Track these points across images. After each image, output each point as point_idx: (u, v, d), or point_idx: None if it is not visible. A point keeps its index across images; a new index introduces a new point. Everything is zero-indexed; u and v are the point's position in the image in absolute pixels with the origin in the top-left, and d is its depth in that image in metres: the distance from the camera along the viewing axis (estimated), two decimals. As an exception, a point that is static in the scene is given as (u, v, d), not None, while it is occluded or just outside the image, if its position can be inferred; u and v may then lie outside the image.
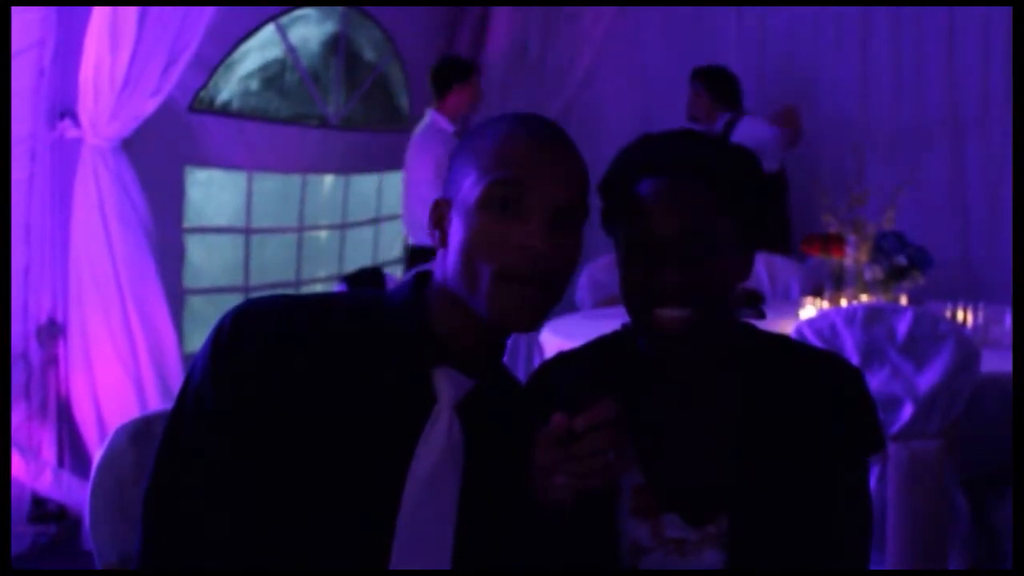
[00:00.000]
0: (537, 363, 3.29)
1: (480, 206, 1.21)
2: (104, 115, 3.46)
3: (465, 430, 1.26)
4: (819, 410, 1.32)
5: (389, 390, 1.24)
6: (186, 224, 4.21)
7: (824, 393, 1.33)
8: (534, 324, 1.24)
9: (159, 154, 3.90)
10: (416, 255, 4.66)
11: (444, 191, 1.29)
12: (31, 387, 3.52)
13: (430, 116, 4.67)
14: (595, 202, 1.30)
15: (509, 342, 1.34)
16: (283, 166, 4.74)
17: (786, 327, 2.74)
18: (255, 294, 1.30)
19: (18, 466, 3.37)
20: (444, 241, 1.27)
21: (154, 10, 3.42)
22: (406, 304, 1.28)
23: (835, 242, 3.32)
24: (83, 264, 3.56)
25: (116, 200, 3.56)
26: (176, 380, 3.70)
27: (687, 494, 1.32)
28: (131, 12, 3.37)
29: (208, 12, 3.62)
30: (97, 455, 1.51)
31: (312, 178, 4.96)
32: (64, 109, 3.48)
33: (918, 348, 2.56)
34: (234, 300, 3.83)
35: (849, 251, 3.27)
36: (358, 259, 5.23)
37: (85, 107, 3.44)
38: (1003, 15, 4.70)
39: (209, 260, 4.41)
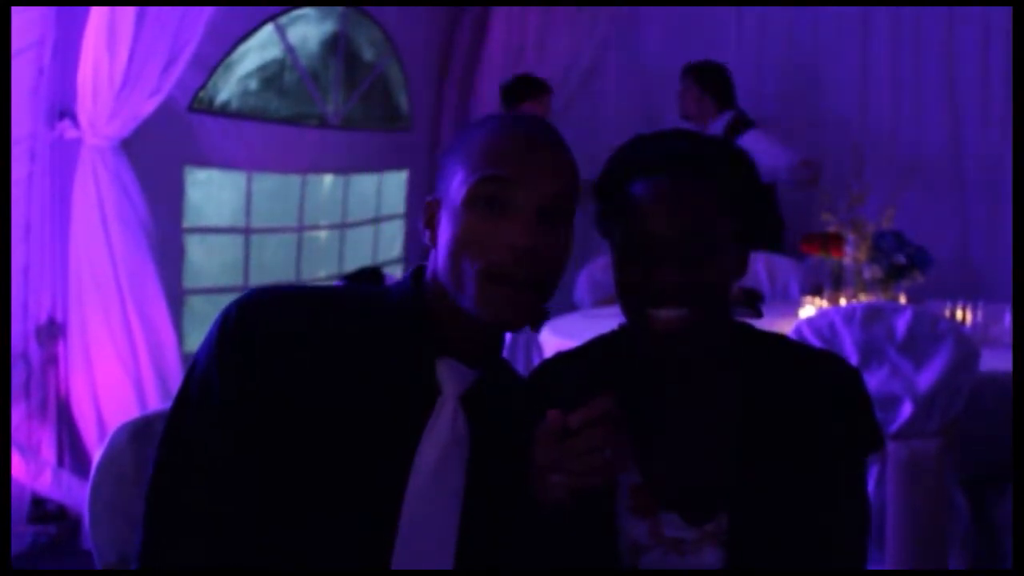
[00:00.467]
0: (536, 362, 3.30)
1: (467, 205, 1.21)
2: (103, 115, 3.46)
3: (468, 423, 1.26)
4: (817, 410, 1.32)
5: (392, 383, 1.24)
6: (185, 224, 4.20)
7: (822, 393, 1.33)
8: (523, 322, 1.24)
9: (158, 154, 3.89)
10: None
11: (434, 191, 1.30)
12: (31, 387, 3.52)
13: None
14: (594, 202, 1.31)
15: (508, 340, 1.34)
16: (282, 166, 4.73)
17: (785, 326, 2.74)
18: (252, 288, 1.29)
19: (18, 466, 3.37)
20: (434, 240, 1.28)
21: (153, 10, 3.42)
22: (406, 298, 1.28)
23: (834, 241, 3.32)
24: (83, 264, 3.56)
25: (115, 200, 3.56)
26: (176, 380, 3.69)
27: (685, 493, 1.32)
28: (130, 12, 3.36)
29: (207, 12, 3.61)
30: (97, 455, 1.51)
31: (312, 178, 4.95)
32: (63, 109, 3.48)
33: (917, 347, 2.56)
34: (234, 300, 3.82)
35: (848, 250, 3.27)
36: (358, 259, 5.23)
37: (84, 107, 3.44)
38: (1003, 15, 4.70)
39: (208, 260, 4.41)
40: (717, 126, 4.67)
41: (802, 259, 4.13)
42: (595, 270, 4.11)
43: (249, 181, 4.52)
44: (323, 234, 5.14)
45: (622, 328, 1.42)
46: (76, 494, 3.43)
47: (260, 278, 4.59)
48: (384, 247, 5.59)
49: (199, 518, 1.19)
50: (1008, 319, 2.99)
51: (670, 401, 1.36)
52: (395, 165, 5.40)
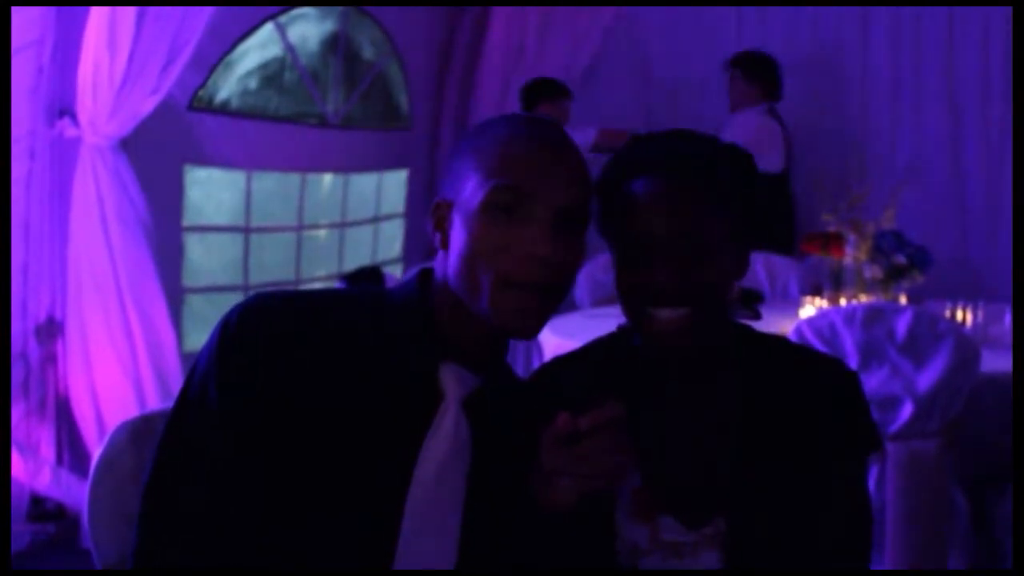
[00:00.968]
0: (536, 361, 3.29)
1: (482, 211, 1.20)
2: (103, 114, 3.45)
3: (470, 427, 1.26)
4: (815, 411, 1.32)
5: (395, 387, 1.23)
6: (185, 223, 4.20)
7: (820, 394, 1.33)
8: (537, 329, 1.24)
9: (158, 153, 3.89)
10: None
11: (445, 191, 1.28)
12: (30, 385, 3.52)
13: None
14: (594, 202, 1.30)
15: (511, 340, 1.34)
16: (282, 165, 4.73)
17: (785, 326, 2.74)
18: (255, 292, 1.29)
19: (17, 465, 3.37)
20: (445, 243, 1.26)
21: (153, 8, 3.42)
22: (411, 301, 1.27)
23: (835, 241, 3.32)
24: (82, 263, 3.56)
25: (115, 199, 3.56)
26: (175, 379, 3.69)
27: (684, 495, 1.31)
28: (130, 10, 3.36)
29: (207, 11, 3.61)
30: (96, 453, 1.50)
31: (311, 177, 4.95)
32: (63, 107, 3.47)
33: (918, 347, 2.56)
34: (233, 299, 3.83)
35: (848, 250, 3.27)
36: (357, 258, 5.22)
37: (84, 105, 3.44)
38: (1003, 15, 4.70)
39: (208, 259, 4.41)
40: (750, 115, 4.71)
41: (802, 259, 4.13)
42: (595, 269, 4.11)
43: (249, 180, 4.52)
44: (323, 233, 5.13)
45: (621, 329, 1.41)
46: (75, 493, 3.43)
47: (259, 277, 4.59)
48: (384, 246, 5.58)
49: (196, 518, 1.18)
50: (1008, 320, 2.99)
51: (670, 402, 1.36)
52: (395, 164, 5.39)
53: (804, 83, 5.28)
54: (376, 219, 5.50)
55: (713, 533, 1.29)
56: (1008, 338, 2.94)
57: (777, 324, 2.97)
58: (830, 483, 1.30)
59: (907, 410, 2.55)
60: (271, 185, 4.71)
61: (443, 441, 1.23)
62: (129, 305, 3.62)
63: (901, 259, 3.14)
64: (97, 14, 3.35)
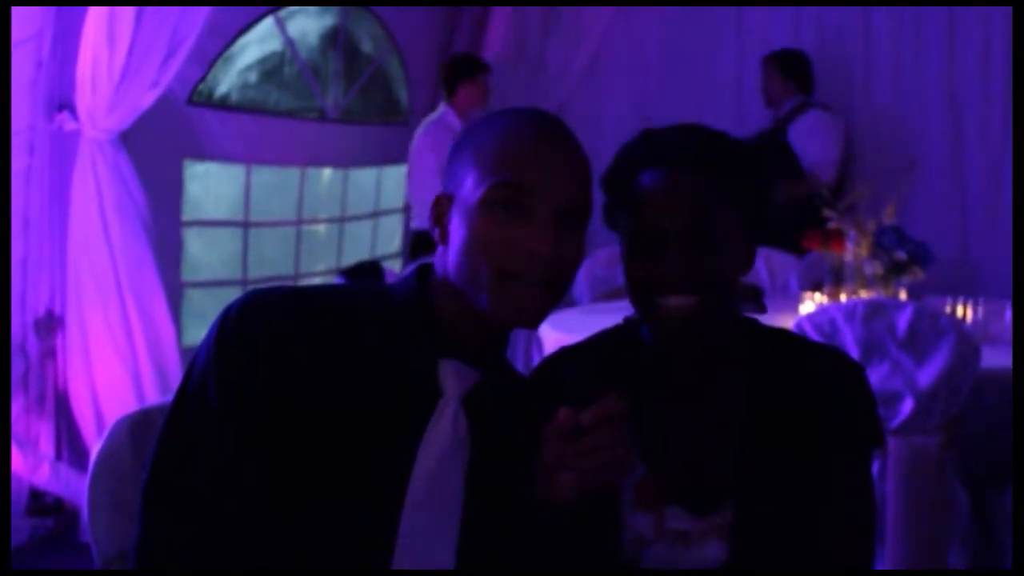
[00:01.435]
0: (536, 356, 3.29)
1: (482, 207, 1.19)
2: (102, 107, 3.45)
3: (470, 423, 1.25)
4: (821, 404, 1.32)
5: (394, 383, 1.23)
6: (184, 217, 4.20)
7: (826, 387, 1.33)
8: (537, 322, 1.23)
9: (157, 147, 3.89)
10: (420, 240, 4.67)
11: (445, 185, 1.27)
12: (29, 379, 3.52)
13: (442, 109, 4.73)
14: (596, 197, 1.30)
15: (511, 334, 1.33)
16: (282, 159, 4.73)
17: (786, 322, 2.73)
18: (253, 287, 1.28)
19: (16, 459, 3.37)
20: (445, 238, 1.25)
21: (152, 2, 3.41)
22: (410, 297, 1.27)
23: (835, 237, 3.32)
24: (81, 257, 3.56)
25: (114, 193, 3.55)
26: (174, 373, 3.69)
27: (691, 485, 1.31)
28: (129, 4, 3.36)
29: (206, 5, 3.61)
30: (95, 448, 1.50)
31: (311, 171, 4.95)
32: (62, 101, 3.47)
33: (918, 343, 2.56)
34: (232, 293, 3.83)
35: (849, 246, 3.27)
36: (356, 252, 5.22)
37: (83, 99, 3.43)
38: (1003, 15, 4.69)
39: (207, 253, 4.41)
40: (785, 108, 4.78)
41: (802, 255, 4.13)
42: (595, 264, 4.11)
43: (248, 174, 4.52)
44: (322, 227, 5.13)
45: (627, 321, 1.41)
46: (74, 487, 3.43)
47: (259, 271, 4.59)
48: (383, 241, 5.58)
49: (196, 514, 1.18)
50: (1009, 316, 2.98)
51: (677, 394, 1.36)
52: (394, 159, 5.39)
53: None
54: (375, 214, 5.50)
55: (720, 523, 1.29)
56: (1008, 335, 2.94)
57: (777, 320, 2.96)
58: (835, 476, 1.31)
59: (907, 406, 2.55)
60: (270, 179, 4.71)
61: (442, 437, 1.23)
62: (128, 299, 3.61)
63: (901, 255, 3.13)
64: (96, 8, 3.34)
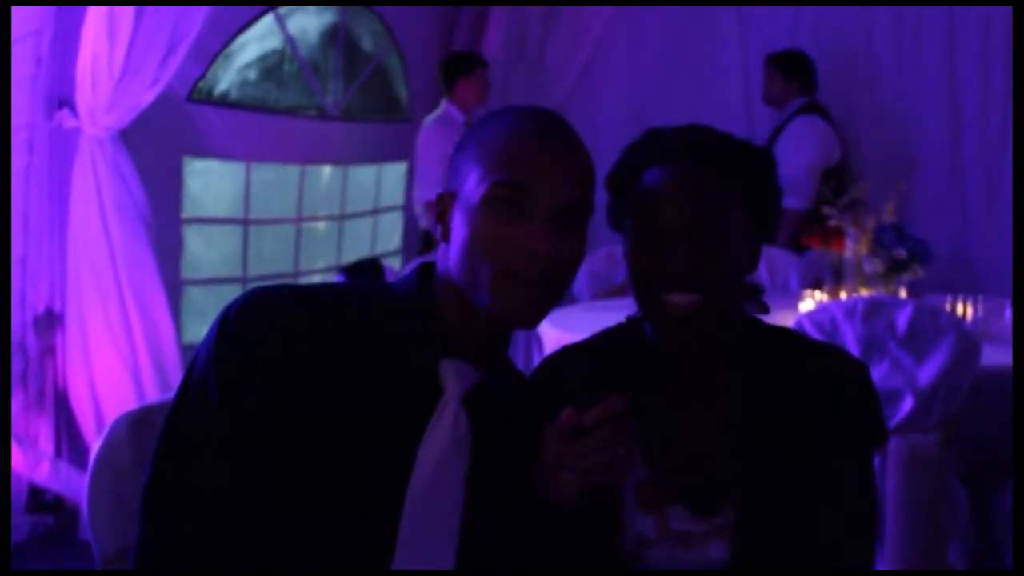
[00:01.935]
0: (536, 355, 3.29)
1: (483, 206, 1.19)
2: (102, 105, 3.44)
3: (470, 423, 1.25)
4: (824, 404, 1.32)
5: (394, 382, 1.23)
6: (184, 215, 4.20)
7: (829, 386, 1.33)
8: (537, 321, 1.23)
9: (157, 144, 3.88)
10: (429, 239, 4.70)
11: (447, 183, 1.27)
12: (28, 377, 3.52)
13: (444, 106, 4.76)
14: (598, 195, 1.30)
15: (511, 333, 1.33)
16: (281, 156, 4.73)
17: (786, 320, 2.73)
18: (253, 285, 1.28)
19: (16, 456, 3.36)
20: (446, 236, 1.25)
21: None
22: (411, 296, 1.27)
23: (835, 235, 3.32)
24: (81, 254, 3.55)
25: (114, 190, 3.55)
26: (174, 371, 3.69)
27: (693, 485, 1.31)
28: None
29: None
30: (95, 445, 1.50)
31: (310, 169, 4.95)
32: (62, 99, 3.46)
33: (918, 341, 2.56)
34: (232, 291, 3.83)
35: (849, 244, 3.27)
36: (356, 250, 5.22)
37: (83, 97, 3.43)
38: (1003, 15, 4.69)
39: (207, 251, 4.40)
40: (789, 109, 4.75)
41: (802, 253, 4.13)
42: (595, 262, 4.11)
43: (248, 172, 4.52)
44: (321, 225, 5.13)
45: (629, 320, 1.41)
46: (74, 484, 3.43)
47: (258, 269, 4.59)
48: (383, 238, 5.58)
49: (196, 513, 1.18)
50: (1008, 314, 2.98)
51: (678, 394, 1.36)
52: (394, 156, 5.39)
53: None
54: (375, 211, 5.49)
55: (722, 523, 1.29)
56: (1008, 333, 2.94)
57: (777, 318, 2.95)
58: (837, 475, 1.31)
59: (907, 404, 2.55)
60: (270, 177, 4.71)
61: (443, 436, 1.22)
62: (128, 297, 3.61)
63: (901, 253, 3.13)
64: (97, 5, 3.34)
